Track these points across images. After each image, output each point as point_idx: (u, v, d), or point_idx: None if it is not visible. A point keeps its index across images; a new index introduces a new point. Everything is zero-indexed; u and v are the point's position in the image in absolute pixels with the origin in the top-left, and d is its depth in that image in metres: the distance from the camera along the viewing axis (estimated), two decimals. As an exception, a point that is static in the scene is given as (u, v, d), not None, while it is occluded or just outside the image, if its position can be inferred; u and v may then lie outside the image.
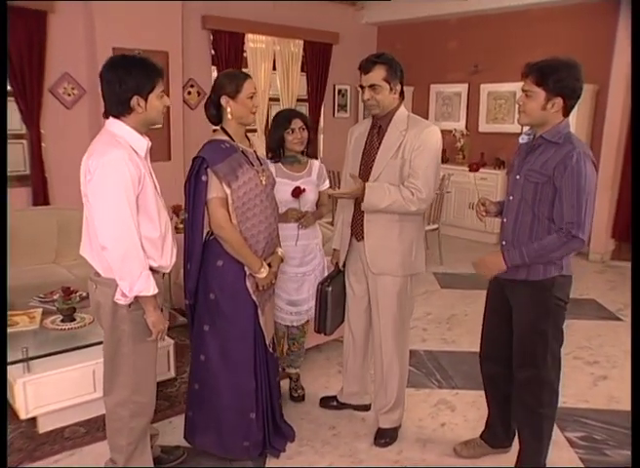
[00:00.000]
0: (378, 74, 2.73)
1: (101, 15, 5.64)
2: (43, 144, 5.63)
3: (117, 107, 2.23)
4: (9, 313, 3.33)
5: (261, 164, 2.73)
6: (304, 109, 7.86)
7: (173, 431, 3.08)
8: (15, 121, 5.55)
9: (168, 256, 2.40)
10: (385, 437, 3.06)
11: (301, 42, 7.39)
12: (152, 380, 2.47)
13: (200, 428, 2.83)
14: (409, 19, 7.62)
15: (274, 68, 7.26)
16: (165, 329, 2.36)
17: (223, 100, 2.58)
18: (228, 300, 2.68)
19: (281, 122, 3.06)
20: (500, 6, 6.61)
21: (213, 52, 6.70)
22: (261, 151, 2.87)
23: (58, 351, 3.00)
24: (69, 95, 5.76)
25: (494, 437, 2.91)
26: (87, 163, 2.19)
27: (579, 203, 2.31)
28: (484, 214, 2.70)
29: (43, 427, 3.05)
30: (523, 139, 2.54)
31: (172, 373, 3.32)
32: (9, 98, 5.45)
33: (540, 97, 2.36)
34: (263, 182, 2.67)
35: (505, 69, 6.81)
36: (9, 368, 2.95)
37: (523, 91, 2.43)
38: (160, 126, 5.87)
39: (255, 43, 7.00)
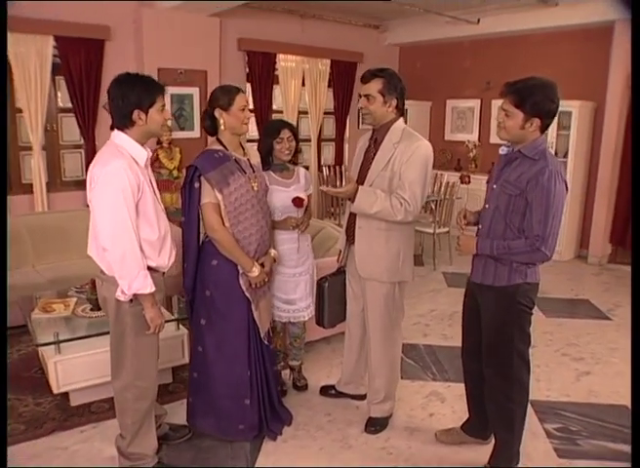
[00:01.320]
0: (374, 86, 2.65)
1: (149, 40, 5.69)
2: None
3: (121, 120, 2.22)
4: (50, 300, 3.39)
5: (254, 171, 2.68)
6: (331, 121, 7.81)
7: (183, 412, 3.04)
8: (74, 134, 5.64)
9: (166, 257, 2.38)
10: (375, 425, 2.98)
11: (329, 61, 7.28)
12: (154, 367, 2.45)
13: (200, 413, 2.80)
14: (428, 41, 7.48)
15: (303, 84, 7.19)
16: (162, 323, 2.33)
17: (217, 113, 2.56)
18: (222, 297, 2.64)
19: (270, 132, 2.98)
20: (509, 29, 6.42)
21: (247, 70, 6.68)
22: (255, 161, 2.79)
23: (84, 336, 3.03)
24: (120, 109, 5.83)
25: (471, 427, 2.82)
26: (92, 172, 2.19)
27: (545, 218, 2.21)
28: (464, 226, 2.58)
29: (74, 401, 3.10)
30: (503, 151, 2.43)
31: (186, 360, 3.29)
32: (69, 115, 5.57)
33: (519, 117, 2.26)
34: (255, 188, 2.62)
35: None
36: (44, 348, 3.02)
37: (503, 109, 2.31)
38: (198, 136, 5.77)
39: (285, 62, 6.94)
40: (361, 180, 2.78)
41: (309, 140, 7.45)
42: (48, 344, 2.95)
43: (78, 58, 5.32)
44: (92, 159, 5.61)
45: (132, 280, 2.17)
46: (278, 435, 2.87)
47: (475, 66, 7.16)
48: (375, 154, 2.74)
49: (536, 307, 4.67)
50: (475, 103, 7.34)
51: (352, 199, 2.64)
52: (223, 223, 2.54)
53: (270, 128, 3.03)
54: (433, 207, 6.44)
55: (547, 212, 2.20)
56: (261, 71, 6.72)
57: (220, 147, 2.59)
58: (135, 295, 2.22)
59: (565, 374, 3.65)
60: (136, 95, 2.18)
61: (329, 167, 7.45)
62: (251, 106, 6.85)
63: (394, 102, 2.68)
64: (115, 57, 5.65)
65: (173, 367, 3.36)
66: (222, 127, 2.57)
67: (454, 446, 2.85)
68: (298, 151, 3.09)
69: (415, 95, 7.90)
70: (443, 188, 6.27)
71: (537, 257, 2.28)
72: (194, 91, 6.11)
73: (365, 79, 2.68)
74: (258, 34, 6.60)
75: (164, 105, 2.28)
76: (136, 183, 2.17)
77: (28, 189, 5.35)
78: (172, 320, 3.27)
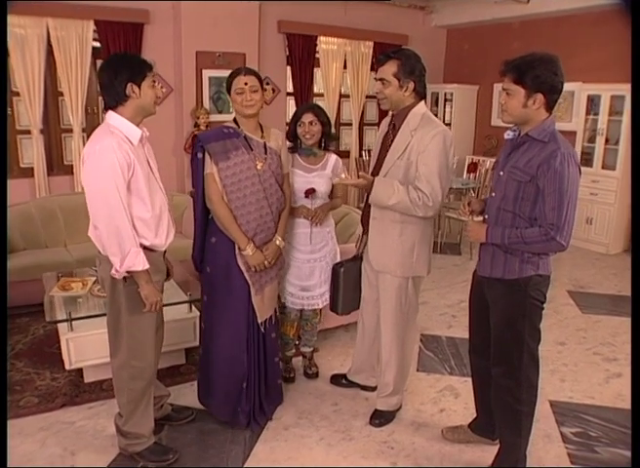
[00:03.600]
0: (388, 69, 2.50)
1: (187, 23, 5.69)
2: (136, 135, 5.80)
3: (115, 98, 2.20)
4: (69, 279, 3.46)
5: (266, 153, 2.61)
6: (374, 105, 7.61)
7: (192, 393, 3.05)
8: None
9: (163, 236, 2.36)
10: (380, 418, 2.88)
11: (372, 43, 7.08)
12: (150, 348, 2.42)
13: (206, 391, 2.80)
14: (476, 22, 7.16)
15: (345, 67, 7.03)
16: (159, 301, 2.30)
17: (225, 95, 2.52)
18: (221, 276, 2.63)
19: (294, 116, 2.95)
20: (559, 9, 6.02)
21: (287, 53, 6.59)
22: (277, 145, 2.69)
23: (94, 315, 3.05)
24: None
25: (478, 426, 2.67)
26: (84, 151, 2.19)
27: (560, 205, 2.03)
28: (468, 213, 2.41)
29: (88, 378, 3.15)
30: (508, 136, 2.25)
31: (197, 342, 3.28)
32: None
33: (520, 94, 2.09)
34: (259, 167, 2.56)
35: (564, 70, 6.24)
36: (59, 325, 3.07)
37: (503, 89, 2.15)
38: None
39: (327, 44, 6.79)
40: (378, 168, 2.66)
41: (351, 125, 7.31)
42: (59, 321, 3.01)
43: (118, 41, 5.39)
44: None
45: (123, 256, 2.16)
46: (269, 419, 2.84)
47: (524, 48, 6.57)
48: (392, 141, 2.60)
49: (572, 302, 4.55)
50: (524, 87, 6.95)
51: (369, 191, 2.52)
52: (223, 197, 2.52)
53: (296, 111, 3.00)
54: (473, 194, 6.19)
55: (561, 198, 2.03)
56: (302, 54, 6.61)
57: (233, 125, 2.59)
58: (130, 273, 2.21)
59: (593, 375, 3.41)
60: (127, 69, 2.19)
61: (370, 151, 7.29)
62: (290, 89, 6.79)
63: (411, 86, 2.51)
64: (154, 40, 5.70)
65: (186, 348, 3.37)
66: (231, 109, 2.57)
67: (460, 444, 2.71)
68: (327, 136, 2.99)
69: (461, 78, 7.62)
70: (483, 175, 5.99)
71: (551, 247, 2.10)
72: (232, 74, 6.07)
73: (380, 62, 2.54)
74: (298, 16, 6.49)
75: (154, 82, 2.28)
76: (125, 162, 2.15)
77: (69, 170, 5.50)
78: (184, 302, 3.27)
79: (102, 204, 2.14)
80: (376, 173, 2.67)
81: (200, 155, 2.52)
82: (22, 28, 4.94)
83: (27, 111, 5.09)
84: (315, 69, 6.85)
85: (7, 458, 2.01)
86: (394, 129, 2.61)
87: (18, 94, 5.09)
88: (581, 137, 6.02)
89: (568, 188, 2.03)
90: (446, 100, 7.66)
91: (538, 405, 2.98)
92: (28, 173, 5.31)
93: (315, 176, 2.95)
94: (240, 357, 2.66)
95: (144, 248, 2.25)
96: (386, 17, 7.12)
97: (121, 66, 2.19)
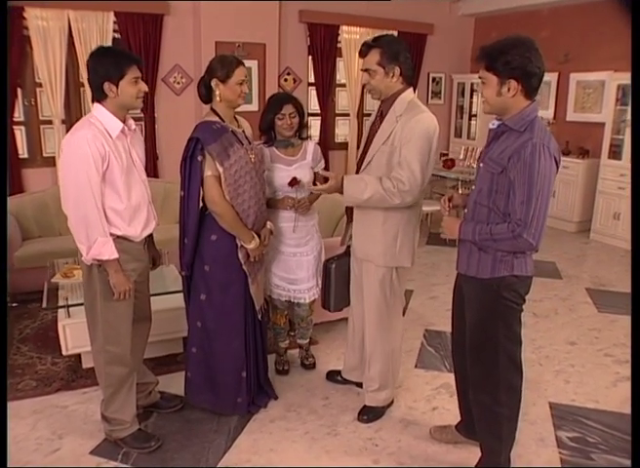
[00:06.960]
0: (372, 58, 2.43)
1: (207, 13, 5.69)
2: (156, 126, 5.85)
3: (95, 93, 2.22)
4: (73, 266, 3.50)
5: (250, 143, 2.59)
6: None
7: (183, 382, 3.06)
8: (134, 106, 5.80)
9: (139, 227, 2.35)
10: (368, 414, 2.80)
11: (396, 33, 6.89)
12: (125, 334, 2.41)
13: (198, 388, 2.76)
14: (504, 10, 6.92)
15: (368, 58, 6.90)
16: (127, 290, 2.29)
17: (213, 83, 2.45)
18: (222, 271, 2.59)
19: (273, 106, 2.80)
20: (590, -7, 5.74)
21: (309, 43, 6.51)
22: (249, 132, 2.68)
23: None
24: (178, 83, 5.91)
25: (464, 427, 2.55)
26: (62, 141, 2.21)
27: (528, 199, 1.89)
28: (447, 208, 2.29)
29: (86, 363, 3.18)
30: (493, 125, 2.11)
31: (193, 331, 3.29)
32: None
33: (493, 82, 1.96)
34: (252, 160, 2.54)
35: (595, 58, 5.99)
36: (59, 312, 3.11)
37: (479, 78, 2.02)
38: (256, 109, 5.70)
39: (349, 34, 6.68)
40: (364, 156, 2.59)
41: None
42: (54, 308, 3.06)
43: (138, 33, 5.46)
44: (151, 130, 5.88)
45: (90, 245, 2.17)
46: (262, 407, 2.83)
47: (553, 37, 6.49)
48: (378, 128, 2.53)
49: (590, 300, 4.35)
50: (552, 77, 6.67)
51: (340, 191, 2.46)
52: (224, 196, 2.48)
53: (273, 102, 2.85)
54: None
55: (530, 192, 1.88)
56: (324, 44, 6.54)
57: (217, 119, 2.51)
58: (98, 261, 2.22)
59: (601, 378, 3.24)
60: (104, 68, 2.16)
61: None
62: (312, 80, 6.71)
63: (397, 71, 2.43)
64: (174, 31, 5.73)
65: (183, 337, 3.37)
66: (218, 98, 2.48)
67: (447, 444, 2.61)
68: (303, 126, 2.91)
69: (489, 68, 7.38)
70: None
71: (519, 245, 1.95)
72: (253, 64, 6.04)
73: (362, 52, 2.47)
74: (320, 6, 6.39)
75: (137, 77, 2.23)
76: (99, 154, 2.14)
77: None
78: (180, 291, 3.26)
79: (73, 193, 2.15)
80: (362, 160, 2.62)
81: (200, 158, 2.42)
82: (45, 21, 5.04)
83: (49, 102, 5.19)
84: (337, 59, 6.75)
85: (7, 459, 2.03)
86: (381, 115, 2.54)
87: (40, 85, 5.20)
88: (610, 129, 5.74)
89: (538, 181, 1.88)
90: (473, 91, 7.44)
91: (536, 407, 2.90)
92: (51, 162, 5.43)
93: (297, 168, 2.86)
94: (241, 348, 2.66)
95: (118, 236, 2.26)
96: (411, 5, 6.95)
97: (98, 63, 2.17)
